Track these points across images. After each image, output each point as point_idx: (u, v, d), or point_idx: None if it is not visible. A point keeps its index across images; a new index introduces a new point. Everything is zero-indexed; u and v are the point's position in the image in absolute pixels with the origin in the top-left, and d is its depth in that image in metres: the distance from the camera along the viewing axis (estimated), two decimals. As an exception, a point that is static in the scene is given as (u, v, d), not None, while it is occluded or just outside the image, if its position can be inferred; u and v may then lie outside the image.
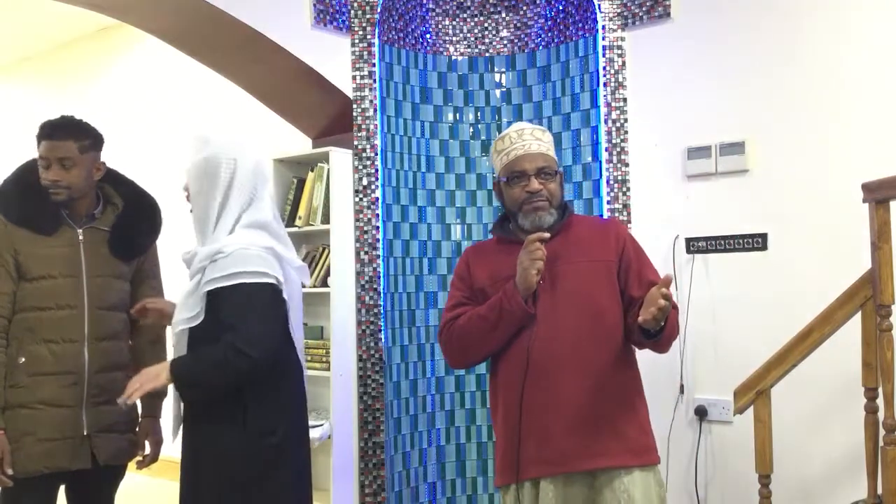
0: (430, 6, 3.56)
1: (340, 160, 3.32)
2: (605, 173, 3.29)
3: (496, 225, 2.38)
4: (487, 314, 2.18)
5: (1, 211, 2.42)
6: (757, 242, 3.00)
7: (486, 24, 3.60)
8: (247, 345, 1.96)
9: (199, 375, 2.03)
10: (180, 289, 2.13)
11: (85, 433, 2.40)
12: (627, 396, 2.20)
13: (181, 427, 2.13)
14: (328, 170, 3.33)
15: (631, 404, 2.20)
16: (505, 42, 3.60)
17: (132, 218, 2.58)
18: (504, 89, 3.60)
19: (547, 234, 2.15)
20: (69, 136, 2.43)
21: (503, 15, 3.60)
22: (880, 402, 2.32)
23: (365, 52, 3.34)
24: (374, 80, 3.35)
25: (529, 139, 2.25)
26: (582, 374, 2.13)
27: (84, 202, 2.49)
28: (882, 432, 2.29)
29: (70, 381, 2.38)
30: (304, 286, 2.30)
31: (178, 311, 2.09)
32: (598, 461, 2.12)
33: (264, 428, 2.05)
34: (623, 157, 3.27)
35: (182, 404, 2.13)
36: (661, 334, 2.11)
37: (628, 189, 3.26)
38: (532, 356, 2.14)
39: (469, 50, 3.60)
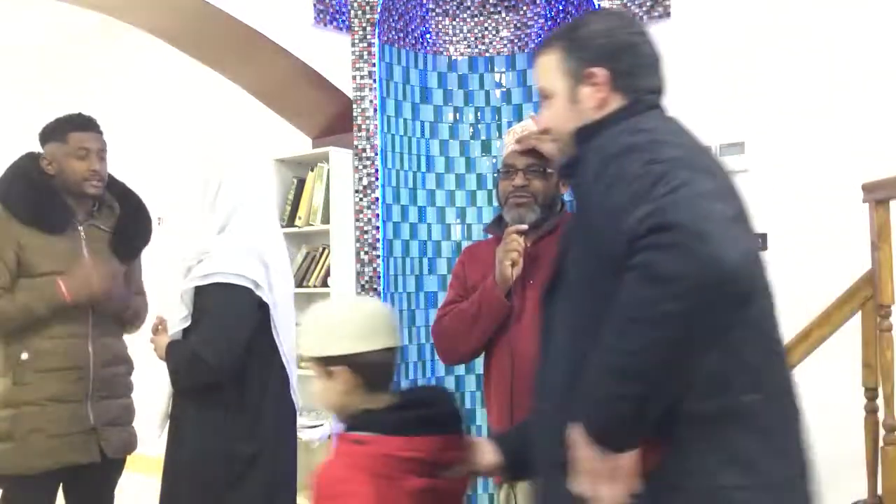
0: (430, 6, 3.56)
1: (340, 160, 3.32)
2: (605, 173, 3.29)
3: (492, 223, 2.38)
4: (469, 308, 2.19)
5: (8, 208, 2.42)
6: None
7: (486, 24, 3.60)
8: (205, 349, 1.95)
9: (176, 366, 2.04)
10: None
11: (91, 427, 2.40)
12: None
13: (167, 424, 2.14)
14: (328, 170, 3.33)
15: None
16: (505, 42, 3.60)
17: (132, 220, 2.59)
18: (504, 89, 3.59)
19: (524, 227, 2.16)
20: (99, 129, 2.51)
21: (503, 15, 3.60)
22: (880, 402, 2.32)
23: (365, 52, 3.34)
24: (374, 80, 3.34)
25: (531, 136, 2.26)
26: None
27: (87, 200, 2.50)
28: (882, 432, 2.29)
29: (76, 377, 2.39)
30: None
31: (173, 312, 2.09)
32: None
33: (240, 433, 2.04)
34: (623, 157, 3.27)
35: (171, 402, 2.13)
36: None
37: (628, 189, 3.26)
38: (517, 357, 2.14)
39: (469, 50, 3.59)
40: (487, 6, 3.59)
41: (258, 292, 2.03)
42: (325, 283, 3.34)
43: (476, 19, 3.60)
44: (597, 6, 3.30)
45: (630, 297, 1.09)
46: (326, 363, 1.49)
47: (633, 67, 1.37)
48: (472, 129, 3.59)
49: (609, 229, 1.15)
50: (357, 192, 3.32)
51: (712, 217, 1.07)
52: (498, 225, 2.34)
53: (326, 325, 1.51)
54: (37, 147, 2.51)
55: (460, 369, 3.45)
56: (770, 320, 1.29)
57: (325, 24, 3.26)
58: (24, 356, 2.36)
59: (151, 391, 2.22)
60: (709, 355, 1.11)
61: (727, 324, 1.10)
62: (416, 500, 1.40)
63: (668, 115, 1.41)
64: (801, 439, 1.30)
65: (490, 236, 2.38)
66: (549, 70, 1.41)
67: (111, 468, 2.52)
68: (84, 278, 2.34)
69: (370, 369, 1.49)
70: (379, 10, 3.35)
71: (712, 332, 1.09)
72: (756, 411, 1.21)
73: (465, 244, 3.52)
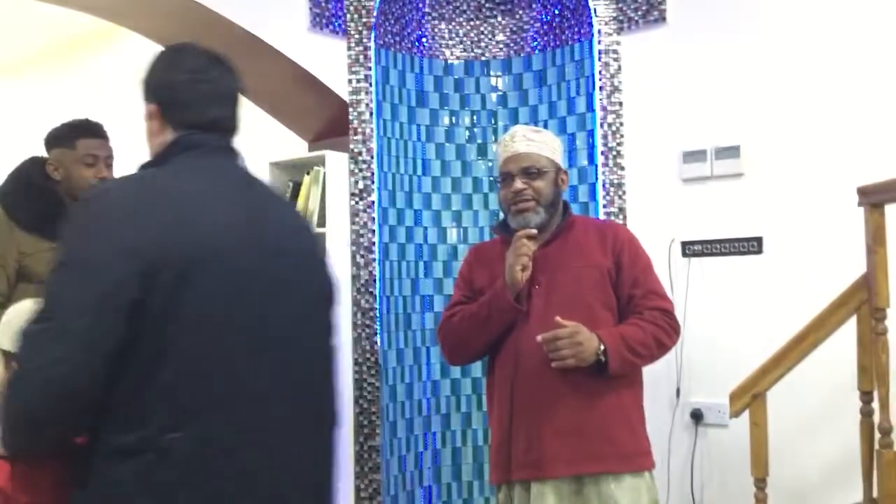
0: (427, 10, 3.56)
1: (336, 163, 3.32)
2: (600, 177, 3.29)
3: (498, 224, 2.39)
4: (479, 311, 2.21)
5: (11, 216, 2.40)
6: (752, 246, 3.01)
7: (482, 28, 3.60)
8: None
9: None
10: None
11: None
12: (620, 402, 2.19)
13: None
14: (324, 173, 3.32)
15: (623, 409, 2.19)
16: (501, 46, 3.60)
17: None
18: (500, 93, 3.60)
19: (534, 231, 2.18)
20: (107, 135, 2.50)
21: (499, 19, 3.60)
22: (875, 405, 2.32)
23: (361, 56, 3.34)
24: (370, 84, 3.34)
25: (520, 140, 2.29)
26: (571, 379, 2.13)
27: None
28: (877, 435, 2.29)
29: None
30: None
31: None
32: (585, 466, 2.12)
33: None
34: (619, 160, 3.28)
35: None
36: (606, 370, 2.11)
37: (624, 193, 3.26)
38: (521, 358, 2.15)
39: (465, 54, 3.60)
40: (483, 10, 3.59)
41: None
42: (320, 287, 3.33)
43: (472, 23, 3.60)
44: (591, 10, 3.31)
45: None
46: (5, 354, 1.67)
47: (180, 103, 1.55)
48: (468, 133, 3.60)
49: None
50: (353, 195, 3.32)
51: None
52: (504, 227, 2.35)
53: (9, 321, 1.70)
54: (35, 151, 2.50)
55: (457, 373, 3.45)
56: (207, 366, 1.36)
57: (322, 28, 3.26)
58: None
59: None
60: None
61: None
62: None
63: (206, 156, 1.57)
64: (236, 477, 1.37)
65: (496, 237, 2.39)
66: (143, 107, 1.59)
67: None
68: None
69: None
70: (375, 14, 3.35)
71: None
72: (176, 447, 1.31)
73: (461, 247, 3.52)
